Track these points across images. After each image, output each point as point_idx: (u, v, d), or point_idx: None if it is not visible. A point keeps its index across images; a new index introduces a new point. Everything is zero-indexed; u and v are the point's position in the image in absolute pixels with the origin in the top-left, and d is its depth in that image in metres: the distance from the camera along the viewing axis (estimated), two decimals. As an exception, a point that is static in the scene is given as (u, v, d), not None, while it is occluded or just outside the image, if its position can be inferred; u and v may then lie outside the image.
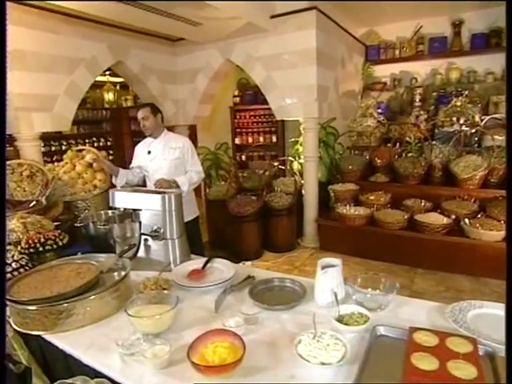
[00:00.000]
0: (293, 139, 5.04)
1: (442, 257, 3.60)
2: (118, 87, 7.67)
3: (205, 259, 1.68)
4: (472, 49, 4.84)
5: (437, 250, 3.61)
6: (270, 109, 6.19)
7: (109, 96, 7.15)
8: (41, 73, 3.41)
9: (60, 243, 1.76)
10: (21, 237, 1.81)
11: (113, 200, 1.69)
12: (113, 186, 2.89)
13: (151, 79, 4.67)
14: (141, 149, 2.79)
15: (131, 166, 2.80)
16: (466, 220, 3.50)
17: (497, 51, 4.67)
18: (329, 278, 1.30)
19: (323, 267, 1.32)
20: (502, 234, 3.32)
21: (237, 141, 6.35)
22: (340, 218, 4.07)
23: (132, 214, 1.70)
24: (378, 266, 3.84)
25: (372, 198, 4.12)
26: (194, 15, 3.55)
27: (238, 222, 4.10)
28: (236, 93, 6.31)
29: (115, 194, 1.69)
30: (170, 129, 5.49)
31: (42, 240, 1.71)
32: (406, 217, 3.76)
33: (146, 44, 4.51)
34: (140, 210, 1.65)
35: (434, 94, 5.02)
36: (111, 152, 7.59)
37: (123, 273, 1.39)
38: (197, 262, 1.67)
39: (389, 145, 4.77)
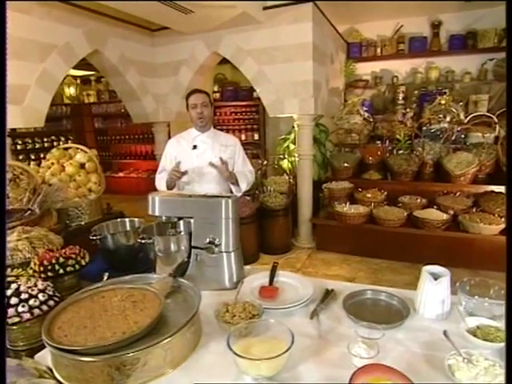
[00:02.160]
0: (283, 136, 4.88)
1: (442, 252, 3.62)
2: (78, 81, 7.02)
3: (266, 273, 1.45)
4: (450, 49, 5.00)
5: (437, 245, 3.64)
6: (251, 105, 6.06)
7: (69, 91, 6.49)
8: (9, 59, 2.91)
9: (83, 262, 1.43)
10: (28, 256, 1.45)
11: (153, 207, 1.39)
12: (111, 189, 2.52)
13: (130, 71, 4.25)
14: (178, 143, 2.33)
15: (162, 167, 2.32)
16: (466, 215, 3.57)
17: (473, 52, 4.88)
18: (441, 289, 1.15)
19: (434, 277, 1.16)
20: (499, 227, 3.42)
21: (216, 139, 6.05)
22: (339, 216, 3.98)
23: (176, 224, 1.42)
24: (379, 264, 3.81)
25: (369, 195, 4.08)
26: (188, 2, 3.24)
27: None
28: (215, 88, 6.02)
29: (156, 200, 1.39)
30: (149, 126, 5.14)
31: (61, 260, 1.36)
32: (405, 214, 3.76)
33: (124, 32, 4.10)
34: (191, 218, 1.37)
35: (416, 92, 5.12)
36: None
37: (193, 299, 1.13)
38: (258, 278, 1.43)
39: (377, 142, 4.79)
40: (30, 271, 1.33)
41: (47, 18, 3.22)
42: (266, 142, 6.14)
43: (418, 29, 5.13)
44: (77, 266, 1.39)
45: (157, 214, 1.39)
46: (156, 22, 3.84)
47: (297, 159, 4.35)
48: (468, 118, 4.27)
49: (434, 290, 1.16)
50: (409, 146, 4.35)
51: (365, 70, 5.62)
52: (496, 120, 4.03)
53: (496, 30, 4.66)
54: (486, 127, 4.22)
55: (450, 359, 0.93)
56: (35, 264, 1.35)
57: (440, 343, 1.04)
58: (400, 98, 5.16)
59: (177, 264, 1.38)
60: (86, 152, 2.55)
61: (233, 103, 5.96)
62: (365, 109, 5.10)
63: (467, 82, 4.95)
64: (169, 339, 0.93)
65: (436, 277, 1.19)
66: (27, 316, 1.05)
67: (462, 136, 4.29)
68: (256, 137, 6.01)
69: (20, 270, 1.35)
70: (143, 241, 1.35)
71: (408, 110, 4.82)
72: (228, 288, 1.41)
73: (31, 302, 1.08)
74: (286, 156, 4.78)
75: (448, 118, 4.32)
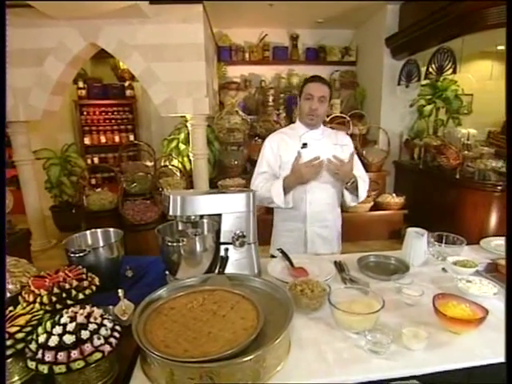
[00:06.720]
0: (172, 136, 4.76)
1: (329, 230, 4.36)
2: None
3: (275, 260, 1.57)
4: (306, 59, 5.89)
5: (325, 224, 4.34)
6: (123, 104, 5.63)
7: None
8: None
9: (96, 282, 1.18)
10: (11, 288, 1.11)
11: (174, 207, 1.27)
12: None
13: (-23, 57, 3.35)
14: (282, 140, 1.88)
15: (260, 169, 1.88)
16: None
17: (324, 63, 5.88)
18: (424, 242, 1.53)
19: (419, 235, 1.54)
20: (369, 205, 4.33)
21: (86, 141, 5.37)
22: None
23: (197, 223, 1.36)
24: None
25: (264, 188, 4.47)
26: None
27: (142, 230, 3.59)
28: (81, 84, 5.30)
29: (178, 199, 1.28)
30: (6, 126, 4.13)
31: (75, 284, 1.10)
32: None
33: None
34: (219, 214, 1.33)
35: (282, 95, 5.83)
36: None
37: (263, 289, 1.15)
38: (274, 264, 1.52)
39: (258, 140, 5.26)
40: (37, 305, 1.04)
41: None
42: (148, 142, 5.82)
43: (280, 39, 5.84)
44: (93, 288, 1.16)
45: (178, 213, 1.30)
46: None
47: (192, 159, 4.37)
48: (329, 118, 5.20)
49: (420, 244, 1.54)
50: (287, 143, 4.96)
51: (235, 72, 6.00)
52: (349, 119, 5.06)
53: (339, 47, 5.79)
54: (342, 125, 5.22)
55: (458, 284, 1.30)
56: (40, 296, 1.06)
57: (439, 278, 1.43)
58: (270, 101, 5.74)
59: (202, 265, 1.34)
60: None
61: (102, 101, 5.37)
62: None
63: (321, 88, 5.95)
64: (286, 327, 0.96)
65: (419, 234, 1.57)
66: (108, 349, 0.86)
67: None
68: (131, 138, 5.61)
69: (20, 306, 1.03)
70: (174, 244, 1.25)
71: (280, 111, 5.45)
72: (249, 279, 1.45)
73: (102, 331, 0.89)
74: (175, 156, 4.70)
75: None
